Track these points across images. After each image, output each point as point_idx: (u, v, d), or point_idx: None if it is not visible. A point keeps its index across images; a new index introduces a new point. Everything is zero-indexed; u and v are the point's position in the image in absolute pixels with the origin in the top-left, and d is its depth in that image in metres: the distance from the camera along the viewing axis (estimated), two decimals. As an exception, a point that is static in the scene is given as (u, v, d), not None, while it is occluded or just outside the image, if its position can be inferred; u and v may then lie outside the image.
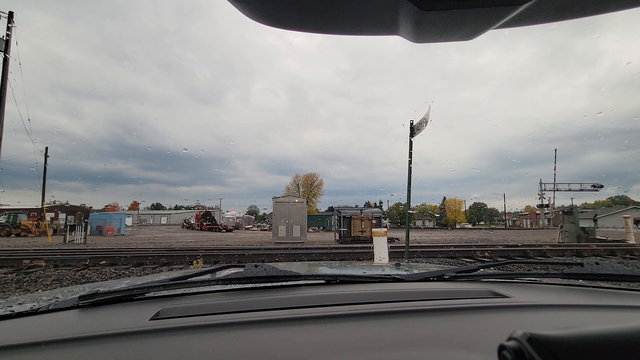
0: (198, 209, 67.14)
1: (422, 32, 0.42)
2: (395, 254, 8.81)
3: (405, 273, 1.13)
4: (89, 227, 23.55)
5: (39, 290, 5.51)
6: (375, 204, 77.20)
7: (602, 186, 31.57)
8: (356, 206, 30.38)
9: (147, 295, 0.90)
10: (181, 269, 7.91)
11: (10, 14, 13.61)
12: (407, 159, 7.33)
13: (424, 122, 6.90)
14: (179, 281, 0.92)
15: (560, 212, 17.48)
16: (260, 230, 44.52)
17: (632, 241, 13.53)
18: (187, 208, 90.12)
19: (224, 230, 38.48)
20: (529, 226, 69.87)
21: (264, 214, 79.40)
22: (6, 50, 13.46)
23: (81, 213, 23.23)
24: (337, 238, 19.27)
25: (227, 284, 0.94)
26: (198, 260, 8.32)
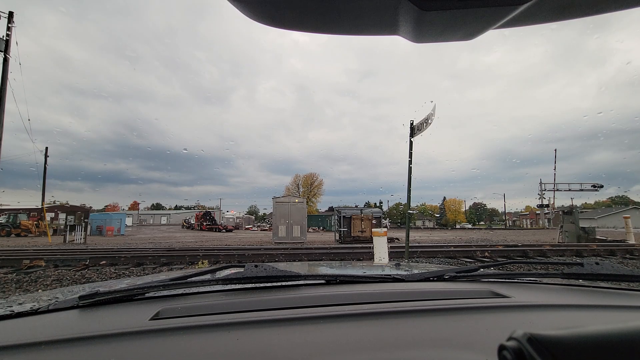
0: (198, 209, 67.20)
1: (422, 32, 0.42)
2: (395, 254, 8.80)
3: (405, 273, 1.13)
4: (89, 227, 23.56)
5: (39, 290, 5.51)
6: (376, 204, 77.16)
7: (602, 186, 31.55)
8: (356, 206, 30.37)
9: (147, 295, 0.90)
10: (181, 269, 7.91)
11: (10, 14, 13.61)
12: (409, 159, 7.34)
13: (426, 121, 6.89)
14: (179, 281, 0.92)
15: (560, 212, 17.47)
16: (260, 230, 44.50)
17: (632, 241, 13.53)
18: (187, 208, 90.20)
19: (224, 230, 38.49)
20: (529, 226, 69.84)
21: (264, 214, 79.40)
22: (6, 50, 13.46)
23: (81, 213, 23.21)
24: (337, 238, 19.26)
25: (227, 284, 0.94)
26: (203, 261, 8.32)
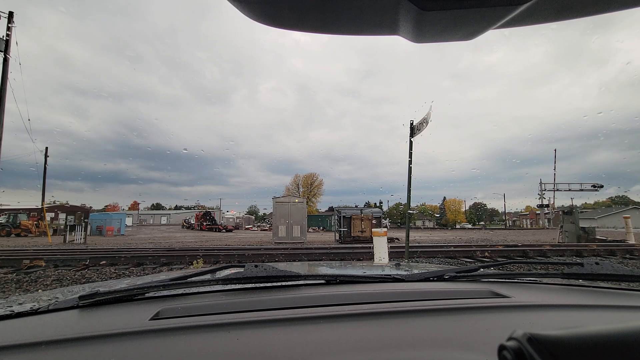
0: (198, 209, 67.22)
1: (422, 32, 0.42)
2: (395, 254, 8.80)
3: (405, 273, 1.13)
4: (89, 227, 23.56)
5: (39, 290, 5.51)
6: (376, 204, 77.10)
7: (602, 186, 31.57)
8: (356, 206, 30.37)
9: (147, 295, 0.90)
10: (181, 269, 7.90)
11: (10, 14, 13.61)
12: (409, 159, 7.34)
13: (424, 122, 6.90)
14: (179, 281, 0.92)
15: (560, 212, 17.47)
16: (260, 230, 44.50)
17: (632, 241, 13.53)
18: (187, 208, 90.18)
19: (224, 230, 38.50)
20: (528, 226, 69.82)
21: (264, 214, 79.36)
22: (6, 50, 13.46)
23: (81, 213, 23.23)
24: (337, 238, 19.25)
25: (227, 284, 0.94)
26: (198, 260, 8.32)
